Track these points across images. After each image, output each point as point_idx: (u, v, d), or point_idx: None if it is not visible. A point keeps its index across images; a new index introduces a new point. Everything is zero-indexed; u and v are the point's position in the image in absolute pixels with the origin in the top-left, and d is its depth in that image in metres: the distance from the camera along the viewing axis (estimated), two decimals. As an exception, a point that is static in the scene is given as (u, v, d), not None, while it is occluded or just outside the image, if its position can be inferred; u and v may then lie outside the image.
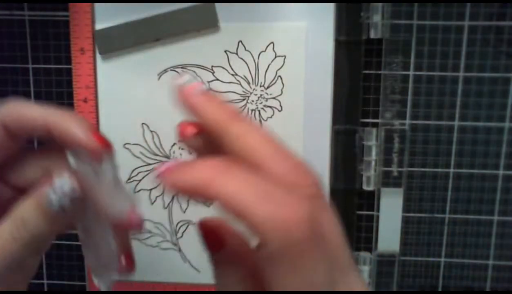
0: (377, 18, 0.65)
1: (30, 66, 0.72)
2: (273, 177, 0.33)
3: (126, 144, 0.71)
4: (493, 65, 0.68)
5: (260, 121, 0.69)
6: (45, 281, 0.76)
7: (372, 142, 0.68)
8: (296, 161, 0.34)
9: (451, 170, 0.70)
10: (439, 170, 0.70)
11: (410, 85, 0.68)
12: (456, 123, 0.69)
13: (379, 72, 0.68)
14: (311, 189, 0.33)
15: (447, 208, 0.71)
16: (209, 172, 0.32)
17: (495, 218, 0.72)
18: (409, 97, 0.68)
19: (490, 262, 0.72)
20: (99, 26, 0.68)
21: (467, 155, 0.70)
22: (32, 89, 0.73)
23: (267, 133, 0.35)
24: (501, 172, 0.70)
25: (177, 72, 0.69)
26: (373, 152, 0.68)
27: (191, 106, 0.37)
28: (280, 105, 0.68)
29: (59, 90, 0.72)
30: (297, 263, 0.30)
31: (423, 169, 0.70)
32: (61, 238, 0.75)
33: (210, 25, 0.66)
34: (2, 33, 0.71)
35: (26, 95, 0.72)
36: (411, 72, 0.68)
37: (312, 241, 0.30)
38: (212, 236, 0.36)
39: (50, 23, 0.71)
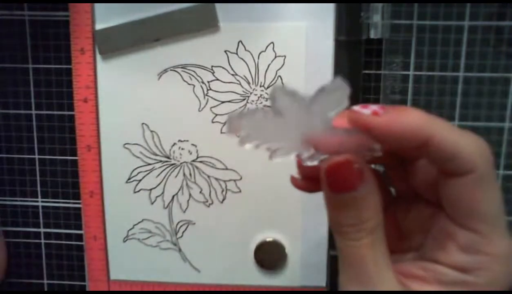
0: (377, 18, 0.65)
1: (30, 66, 0.72)
2: None
3: (126, 144, 0.71)
4: (493, 65, 0.68)
5: None
6: (45, 281, 0.77)
7: (372, 142, 0.68)
8: None
9: (451, 170, 0.70)
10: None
11: (410, 85, 0.68)
12: (456, 123, 0.69)
13: (379, 72, 0.68)
14: None
15: (447, 208, 0.71)
16: (420, 117, 0.36)
17: None
18: (409, 97, 0.68)
19: None
20: (99, 26, 0.68)
21: None
22: (32, 89, 0.72)
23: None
24: (501, 172, 0.71)
25: (177, 72, 0.68)
26: (373, 152, 0.68)
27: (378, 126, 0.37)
28: None
29: (59, 90, 0.72)
30: (495, 176, 0.37)
31: (423, 169, 0.70)
32: (61, 238, 0.75)
33: (210, 25, 0.66)
34: (2, 33, 0.71)
35: (26, 95, 0.72)
36: (411, 72, 0.68)
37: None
38: (348, 173, 0.38)
39: (50, 23, 0.70)
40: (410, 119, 0.36)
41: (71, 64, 0.70)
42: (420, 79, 0.69)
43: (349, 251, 0.38)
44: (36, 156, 0.74)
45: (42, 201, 0.76)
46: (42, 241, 0.76)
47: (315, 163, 0.40)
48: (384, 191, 0.44)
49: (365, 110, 0.38)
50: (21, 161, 0.75)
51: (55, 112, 0.73)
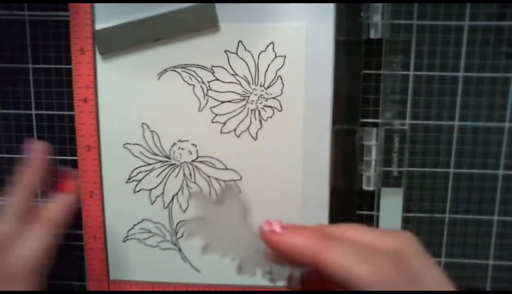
0: (377, 18, 0.65)
1: (30, 66, 0.72)
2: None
3: (126, 144, 0.71)
4: (493, 65, 0.68)
5: (260, 121, 0.69)
6: (45, 281, 0.76)
7: (372, 142, 0.68)
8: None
9: (451, 170, 0.71)
10: (439, 170, 0.70)
11: (410, 85, 0.69)
12: (456, 123, 0.69)
13: (379, 72, 0.68)
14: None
15: (447, 208, 0.71)
16: (314, 241, 0.39)
17: (495, 218, 0.72)
18: (409, 97, 0.69)
19: (490, 262, 0.73)
20: (99, 26, 0.68)
21: (467, 155, 0.70)
22: (32, 89, 0.72)
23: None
24: (501, 172, 0.71)
25: (177, 72, 0.68)
26: (373, 152, 0.69)
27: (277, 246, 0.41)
28: (280, 105, 0.68)
29: (59, 90, 0.72)
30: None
31: (423, 169, 0.70)
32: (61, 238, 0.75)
33: (210, 25, 0.67)
34: (2, 33, 0.71)
35: (26, 95, 0.72)
36: (411, 72, 0.68)
37: (403, 282, 0.38)
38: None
39: (50, 23, 0.71)
40: (298, 241, 0.40)
41: (71, 64, 0.70)
42: (420, 79, 0.69)
43: None
44: (36, 156, 0.73)
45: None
46: (42, 241, 0.75)
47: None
48: None
49: (266, 227, 0.41)
50: (21, 161, 0.74)
51: (55, 112, 0.73)
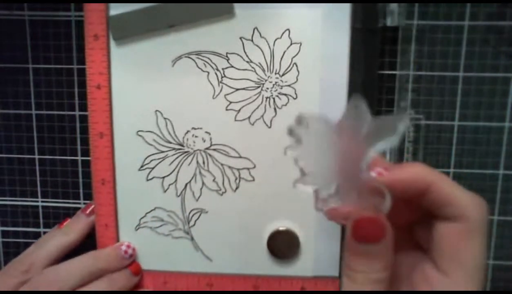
0: (394, 6, 0.63)
1: (30, 66, 0.69)
2: None
3: (139, 131, 0.67)
4: (493, 65, 0.66)
5: (274, 109, 0.66)
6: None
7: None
8: None
9: (451, 170, 0.68)
10: (439, 170, 0.64)
11: (410, 85, 0.66)
12: (456, 123, 0.67)
13: (395, 60, 0.66)
14: None
15: (449, 207, 0.66)
16: (421, 169, 0.42)
17: (495, 218, 0.69)
18: (409, 97, 0.66)
19: (490, 262, 0.70)
20: (113, 11, 0.64)
21: (467, 155, 0.68)
22: (32, 89, 0.69)
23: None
24: (501, 172, 0.68)
25: (191, 59, 0.65)
26: (387, 140, 0.63)
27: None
28: (295, 93, 0.65)
29: (59, 90, 0.69)
30: (484, 232, 0.40)
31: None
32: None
33: (225, 11, 0.64)
34: (2, 33, 0.69)
35: (26, 95, 0.69)
36: (411, 72, 0.66)
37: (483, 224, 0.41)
38: (374, 228, 0.41)
39: (50, 23, 0.68)
40: (412, 171, 0.42)
41: (71, 64, 0.68)
42: (420, 79, 0.66)
43: None
44: (36, 156, 0.71)
45: (42, 201, 0.72)
46: (43, 240, 0.75)
47: (324, 208, 0.44)
48: None
49: (373, 173, 0.42)
50: (21, 161, 0.72)
51: (55, 112, 0.70)
